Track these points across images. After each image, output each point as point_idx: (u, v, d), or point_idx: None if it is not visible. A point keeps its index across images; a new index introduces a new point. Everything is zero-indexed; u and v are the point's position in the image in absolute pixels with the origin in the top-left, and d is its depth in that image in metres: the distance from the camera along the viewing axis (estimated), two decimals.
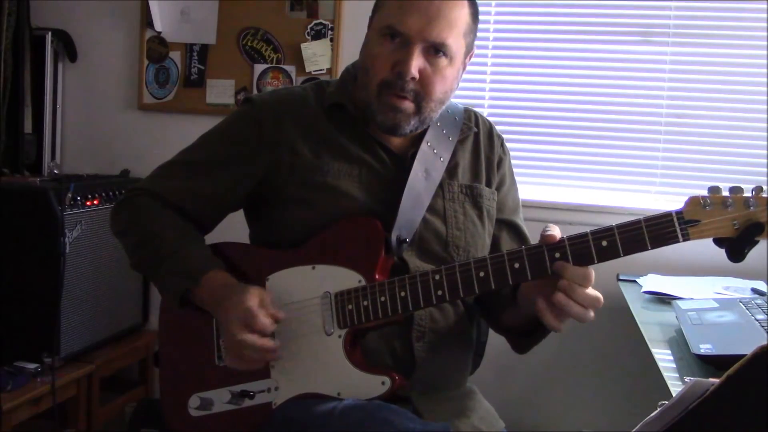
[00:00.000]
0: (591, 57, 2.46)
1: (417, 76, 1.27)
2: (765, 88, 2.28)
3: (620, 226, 1.16)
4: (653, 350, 1.45)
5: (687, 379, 1.26)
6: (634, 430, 0.82)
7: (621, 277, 2.12)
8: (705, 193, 1.16)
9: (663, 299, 1.85)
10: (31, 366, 2.19)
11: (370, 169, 1.35)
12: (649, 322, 1.66)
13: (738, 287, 1.96)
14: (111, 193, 2.48)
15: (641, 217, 1.16)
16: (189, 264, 1.31)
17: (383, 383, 1.22)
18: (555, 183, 2.49)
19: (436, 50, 1.28)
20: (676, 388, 1.24)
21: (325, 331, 1.26)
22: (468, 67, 2.76)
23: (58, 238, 2.22)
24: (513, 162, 2.66)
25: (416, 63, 1.27)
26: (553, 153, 2.49)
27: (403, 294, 1.22)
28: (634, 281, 2.05)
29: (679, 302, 1.71)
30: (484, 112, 2.53)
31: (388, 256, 1.29)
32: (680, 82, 2.38)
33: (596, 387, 2.42)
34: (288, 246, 1.34)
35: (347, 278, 1.27)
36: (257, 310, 1.21)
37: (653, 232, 1.15)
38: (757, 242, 1.15)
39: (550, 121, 2.49)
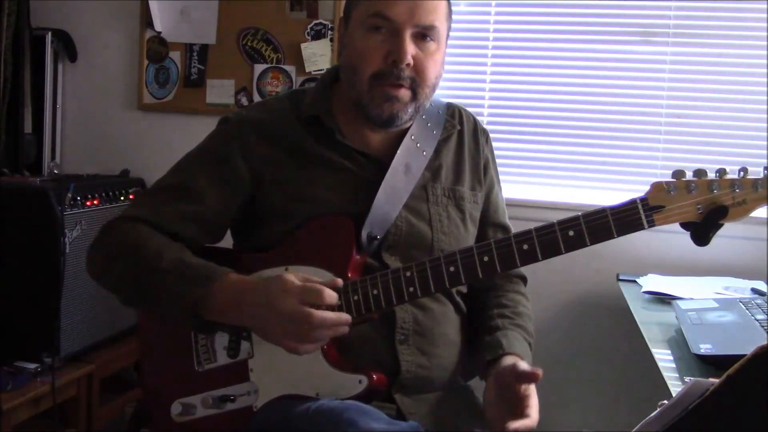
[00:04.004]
0: (591, 57, 2.45)
1: (412, 62, 1.27)
2: (765, 88, 2.28)
3: (586, 215, 1.18)
4: (653, 350, 1.45)
5: (687, 379, 1.26)
6: (634, 430, 0.82)
7: (621, 277, 2.12)
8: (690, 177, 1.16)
9: (663, 299, 1.85)
10: (31, 366, 2.18)
11: (351, 175, 1.34)
12: (649, 322, 1.66)
13: (738, 287, 1.96)
14: (111, 193, 2.48)
15: (607, 206, 1.17)
16: (196, 272, 1.23)
17: (360, 382, 1.22)
18: (555, 183, 2.49)
19: (423, 36, 1.28)
20: (676, 388, 1.24)
21: None
22: (468, 67, 2.77)
23: (58, 238, 2.22)
24: (512, 162, 2.67)
25: (410, 49, 1.27)
26: (553, 153, 2.49)
27: (375, 292, 1.23)
28: (634, 281, 2.05)
29: (679, 302, 1.71)
30: (484, 112, 2.53)
31: (360, 254, 1.29)
32: (680, 82, 2.38)
33: (596, 387, 2.42)
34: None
35: (320, 278, 1.26)
36: (318, 285, 1.17)
37: (618, 220, 1.16)
38: (721, 225, 1.15)
39: (550, 121, 2.48)
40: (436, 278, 1.22)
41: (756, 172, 1.16)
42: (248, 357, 1.29)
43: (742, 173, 1.15)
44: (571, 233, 1.17)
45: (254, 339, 1.28)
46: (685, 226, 1.17)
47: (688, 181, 1.15)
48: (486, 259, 1.20)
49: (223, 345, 1.31)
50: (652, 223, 1.16)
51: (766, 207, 1.16)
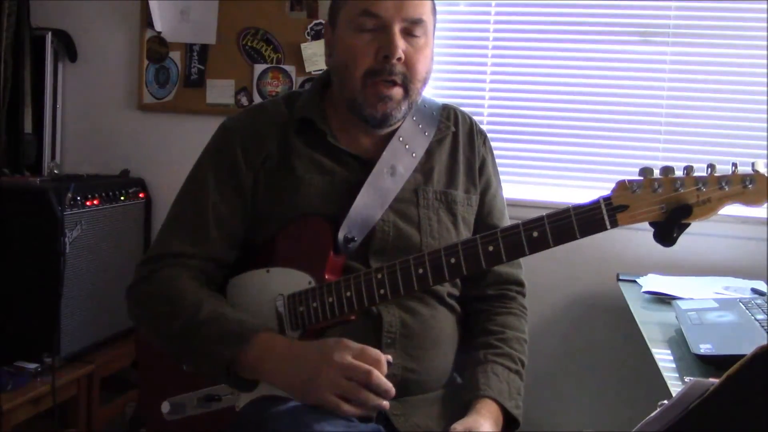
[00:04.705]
0: (591, 57, 2.45)
1: (403, 57, 1.27)
2: (765, 88, 2.28)
3: (550, 216, 1.16)
4: (653, 350, 1.45)
5: (687, 379, 1.26)
6: (634, 430, 0.82)
7: (621, 277, 2.12)
8: (658, 175, 1.12)
9: (663, 299, 1.85)
10: (31, 366, 2.18)
11: (339, 178, 1.34)
12: (649, 322, 1.66)
13: (738, 287, 1.96)
14: (111, 193, 2.48)
15: (570, 206, 1.15)
16: (231, 329, 1.21)
17: None
18: (555, 183, 2.49)
19: (412, 30, 1.28)
20: (676, 388, 1.23)
21: (279, 333, 1.26)
22: (468, 67, 2.77)
23: (58, 238, 2.22)
24: (513, 162, 2.66)
25: (400, 44, 1.27)
26: (553, 153, 2.49)
27: (348, 294, 1.23)
28: (634, 281, 2.04)
29: (679, 302, 1.71)
30: (484, 112, 2.53)
31: (337, 256, 1.28)
32: (680, 82, 2.38)
33: (596, 387, 2.42)
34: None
35: (298, 280, 1.27)
36: (377, 351, 1.15)
37: (582, 220, 1.14)
38: (687, 225, 1.12)
39: (550, 121, 2.48)
40: (405, 280, 1.21)
41: (725, 170, 1.11)
42: None
43: (709, 170, 1.11)
44: (535, 234, 1.16)
45: None
46: (651, 224, 1.14)
47: (653, 180, 1.12)
48: (453, 261, 1.19)
49: None
50: (615, 224, 1.13)
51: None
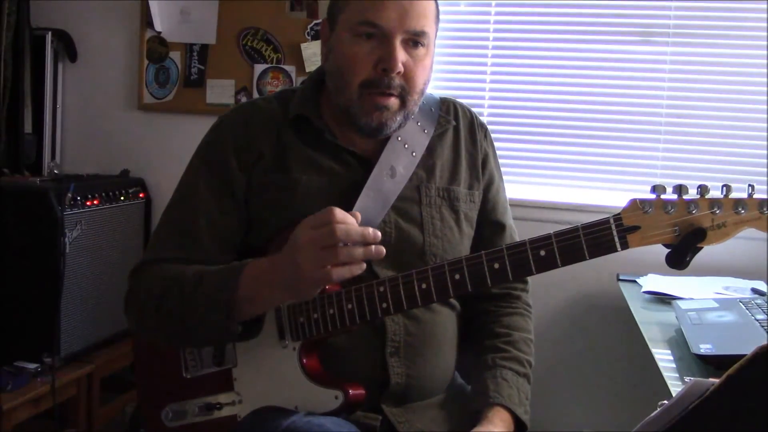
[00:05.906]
0: (591, 57, 2.45)
1: (402, 70, 1.23)
2: (765, 88, 2.28)
3: (558, 234, 1.12)
4: (653, 350, 1.45)
5: (687, 379, 1.26)
6: (634, 430, 0.82)
7: (621, 277, 2.12)
8: (671, 194, 1.09)
9: (663, 299, 1.85)
10: (31, 366, 2.19)
11: (336, 178, 1.31)
12: (649, 322, 1.66)
13: (738, 287, 1.96)
14: (111, 193, 2.48)
15: (579, 225, 1.11)
16: (218, 278, 1.18)
17: (336, 397, 1.19)
18: (555, 183, 2.49)
19: (414, 42, 1.25)
20: (676, 388, 1.24)
21: (280, 343, 1.24)
22: (468, 67, 2.77)
23: (58, 238, 2.22)
24: (513, 162, 2.65)
25: (401, 57, 1.23)
26: (553, 153, 2.49)
27: (350, 306, 1.19)
28: (634, 281, 2.05)
29: (679, 302, 1.71)
30: (484, 111, 2.53)
31: None
32: (680, 82, 2.38)
33: (596, 387, 2.42)
34: None
35: None
36: (329, 212, 1.08)
37: (591, 240, 1.10)
38: (700, 249, 1.08)
39: (550, 121, 2.48)
40: (408, 295, 1.18)
41: (740, 188, 1.07)
42: (232, 366, 1.28)
43: (724, 190, 1.07)
44: (542, 253, 1.13)
45: (238, 347, 1.27)
46: (665, 246, 1.11)
47: (666, 200, 1.08)
48: (457, 277, 1.16)
49: (210, 352, 1.30)
50: (625, 246, 1.10)
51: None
